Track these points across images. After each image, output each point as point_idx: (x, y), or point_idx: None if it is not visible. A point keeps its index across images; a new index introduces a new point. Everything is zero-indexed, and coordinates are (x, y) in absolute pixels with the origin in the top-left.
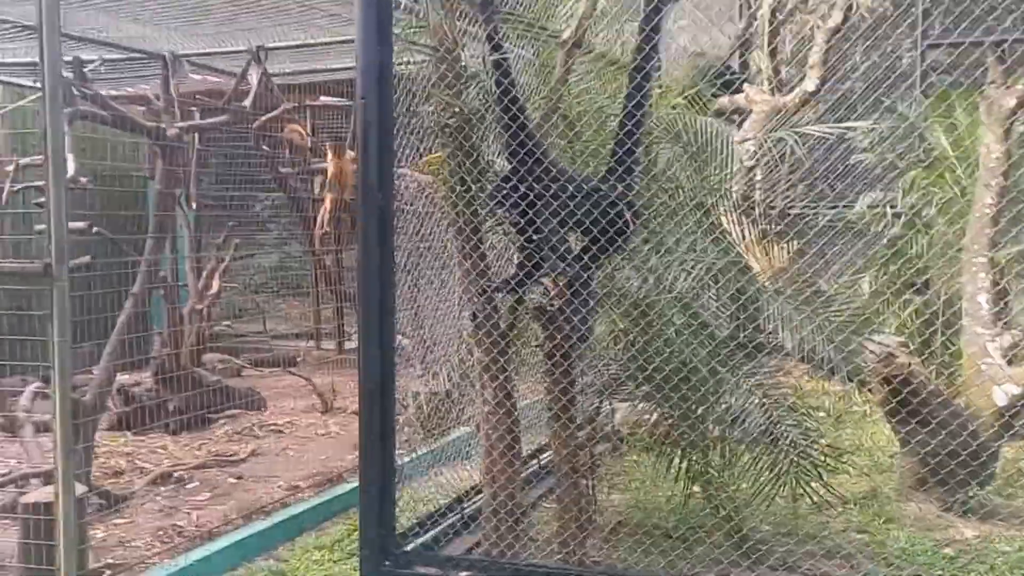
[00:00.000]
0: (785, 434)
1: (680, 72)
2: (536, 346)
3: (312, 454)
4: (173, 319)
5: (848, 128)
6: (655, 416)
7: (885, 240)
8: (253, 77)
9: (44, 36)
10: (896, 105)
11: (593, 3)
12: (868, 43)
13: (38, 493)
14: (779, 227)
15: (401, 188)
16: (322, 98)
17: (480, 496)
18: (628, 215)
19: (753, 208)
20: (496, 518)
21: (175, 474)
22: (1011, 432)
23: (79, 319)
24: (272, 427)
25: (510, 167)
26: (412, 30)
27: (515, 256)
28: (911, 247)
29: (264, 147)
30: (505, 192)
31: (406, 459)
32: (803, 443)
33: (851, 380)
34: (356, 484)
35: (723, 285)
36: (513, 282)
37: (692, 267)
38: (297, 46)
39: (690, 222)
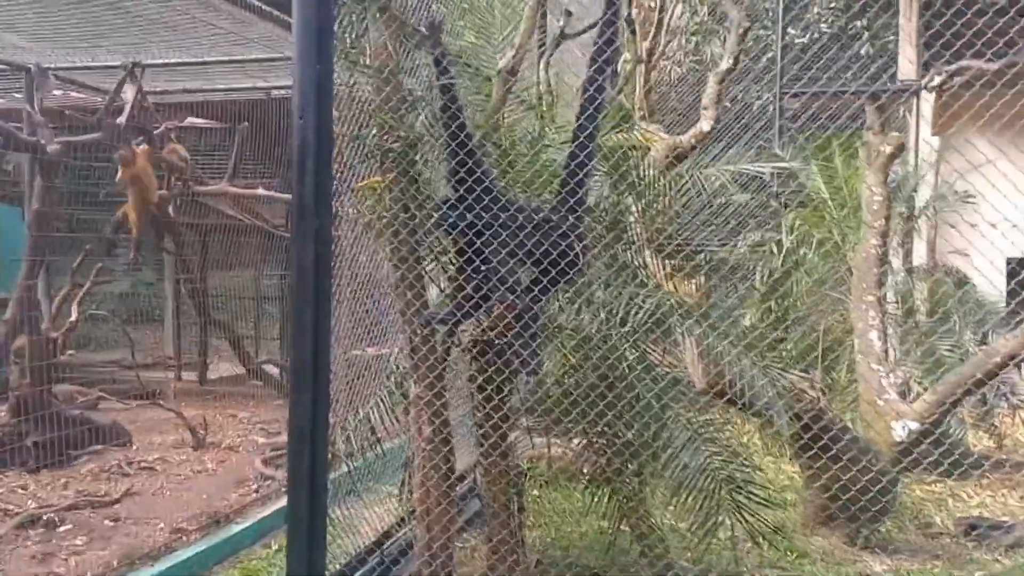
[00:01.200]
0: (720, 469)
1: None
2: (468, 378)
3: (192, 493)
4: (33, 348)
5: (745, 169)
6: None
7: (764, 277)
8: (128, 94)
9: None
10: (771, 148)
11: (529, 33)
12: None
13: None
14: (687, 263)
15: (338, 212)
16: (189, 119)
17: (405, 527)
18: (579, 247)
19: (665, 244)
20: (432, 560)
21: (44, 516)
22: (908, 466)
23: None
24: (142, 464)
25: (456, 194)
26: (353, 49)
27: (459, 286)
28: (789, 284)
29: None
30: (451, 220)
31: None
32: (738, 478)
33: (757, 415)
34: (245, 526)
35: (657, 322)
36: (459, 313)
37: (642, 301)
38: (177, 64)
39: (627, 256)
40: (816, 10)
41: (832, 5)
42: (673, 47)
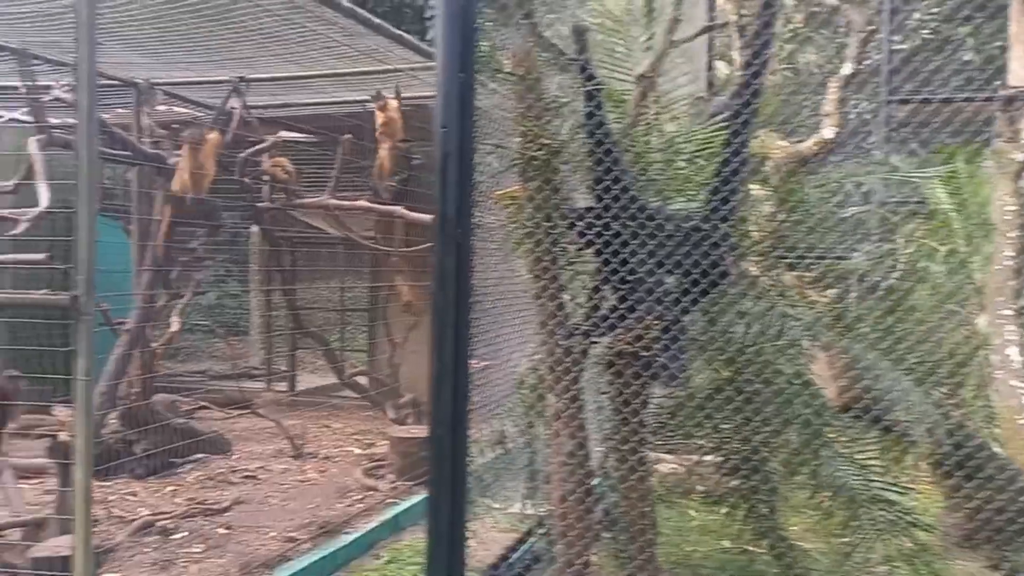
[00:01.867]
0: (864, 488)
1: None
2: (605, 391)
3: (297, 503)
4: (142, 358)
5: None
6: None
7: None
8: (233, 108)
9: (83, 69)
10: (887, 157)
11: (669, 37)
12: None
13: (50, 546)
14: (816, 274)
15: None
16: (282, 133)
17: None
18: (731, 257)
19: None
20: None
21: (159, 523)
22: None
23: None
24: (245, 473)
25: (602, 202)
26: (495, 56)
27: (602, 297)
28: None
29: (246, 179)
30: (596, 229)
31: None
32: (884, 497)
33: (891, 431)
34: (356, 536)
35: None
36: (603, 324)
37: (795, 315)
38: (282, 78)
39: (765, 267)
40: (918, 16)
41: (936, 10)
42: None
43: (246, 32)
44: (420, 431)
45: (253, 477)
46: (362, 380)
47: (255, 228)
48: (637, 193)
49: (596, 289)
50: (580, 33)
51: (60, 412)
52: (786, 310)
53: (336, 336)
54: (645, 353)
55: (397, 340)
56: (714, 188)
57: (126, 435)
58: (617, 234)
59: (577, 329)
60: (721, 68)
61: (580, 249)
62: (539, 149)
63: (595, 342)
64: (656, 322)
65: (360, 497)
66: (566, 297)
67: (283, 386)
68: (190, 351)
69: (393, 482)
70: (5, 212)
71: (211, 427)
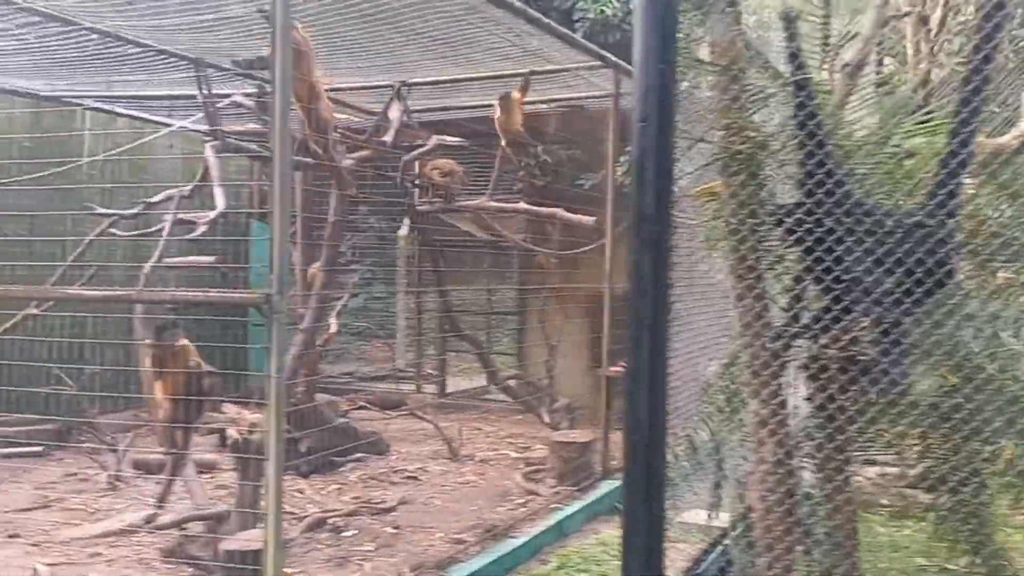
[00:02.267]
0: None
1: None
2: (810, 397)
3: (460, 505)
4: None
5: None
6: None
7: None
8: (394, 113)
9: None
10: None
11: (880, 23)
12: None
13: (241, 540)
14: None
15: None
16: (434, 137)
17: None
18: (956, 256)
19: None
20: None
21: (329, 521)
22: None
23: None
24: (406, 474)
25: (813, 198)
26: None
27: (811, 298)
28: None
29: (408, 184)
30: (808, 226)
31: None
32: None
33: None
34: (523, 540)
35: None
36: (814, 327)
37: None
38: (446, 81)
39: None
40: None
41: None
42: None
43: (413, 35)
44: (581, 436)
45: (414, 478)
46: (511, 383)
47: (403, 231)
48: (851, 188)
49: (803, 290)
50: (790, 20)
51: (230, 408)
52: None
53: (483, 339)
54: (862, 357)
55: (553, 343)
56: (940, 182)
57: (292, 434)
58: (830, 231)
59: (786, 331)
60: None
61: (788, 247)
62: (744, 142)
63: (798, 345)
64: (875, 324)
65: (522, 501)
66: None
67: (431, 388)
68: (338, 352)
69: (554, 487)
70: (187, 215)
71: (366, 428)
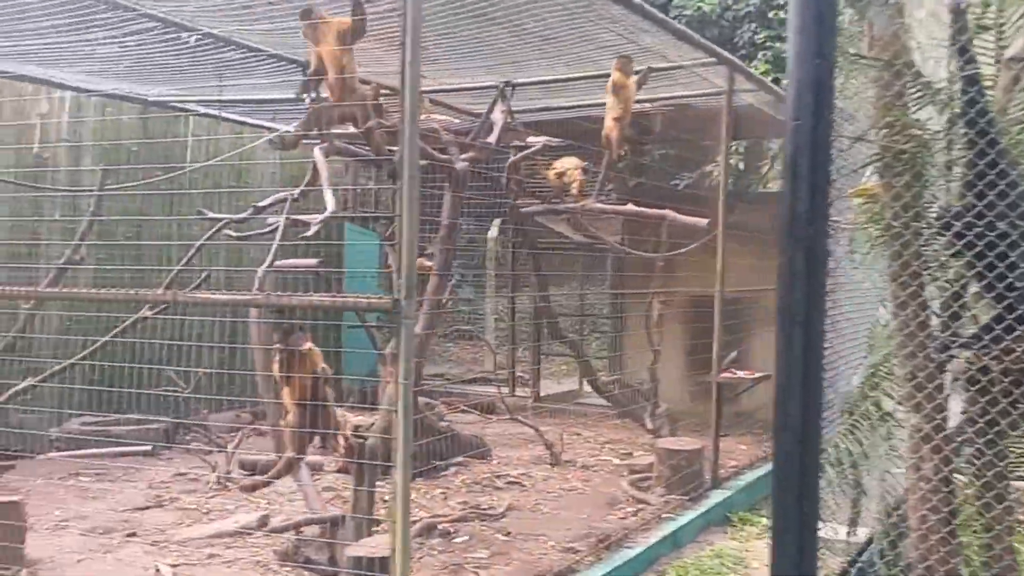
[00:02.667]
0: None
1: None
2: (967, 412)
3: (569, 512)
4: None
5: None
6: None
7: None
8: (497, 114)
9: (407, 74)
10: None
11: None
12: None
13: (366, 547)
14: None
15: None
16: (530, 139)
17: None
18: None
19: None
20: None
21: (439, 526)
22: None
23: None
24: (509, 479)
25: (984, 200)
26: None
27: (979, 306)
28: None
29: (514, 186)
30: (978, 229)
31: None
32: None
33: None
34: (638, 551)
35: None
36: (985, 337)
37: None
38: (554, 81)
39: None
40: None
41: None
42: None
43: (524, 34)
44: (689, 443)
45: (518, 483)
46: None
47: (492, 232)
48: None
49: (970, 298)
50: (959, 13)
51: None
52: None
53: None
54: None
55: (657, 348)
56: None
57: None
58: (1003, 235)
59: (953, 341)
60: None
61: (955, 253)
62: (908, 141)
63: (949, 358)
64: None
65: (632, 510)
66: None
67: (520, 392)
68: (427, 354)
69: (663, 495)
70: (300, 217)
71: (464, 432)
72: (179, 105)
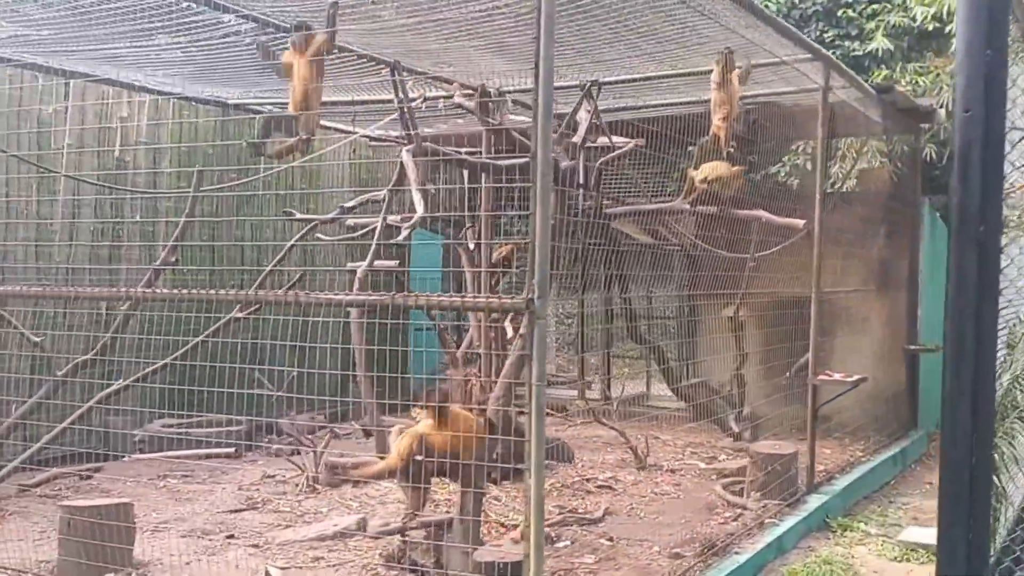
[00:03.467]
0: None
1: None
2: None
3: (667, 516)
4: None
5: None
6: None
7: None
8: (582, 113)
9: (542, 68)
10: None
11: None
12: None
13: (496, 552)
14: None
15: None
16: (601, 139)
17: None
18: None
19: None
20: None
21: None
22: None
23: None
24: (598, 482)
25: None
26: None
27: None
28: None
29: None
30: None
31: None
32: None
33: None
34: (747, 557)
35: None
36: None
37: None
38: (637, 80)
39: None
40: None
41: None
42: None
43: (623, 31)
44: (785, 448)
45: (608, 487)
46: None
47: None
48: None
49: None
50: None
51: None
52: None
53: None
54: None
55: (743, 351)
56: None
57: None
58: None
59: None
60: None
61: None
62: None
63: None
64: None
65: (731, 515)
66: None
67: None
68: None
69: (760, 500)
70: (393, 219)
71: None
72: (256, 108)
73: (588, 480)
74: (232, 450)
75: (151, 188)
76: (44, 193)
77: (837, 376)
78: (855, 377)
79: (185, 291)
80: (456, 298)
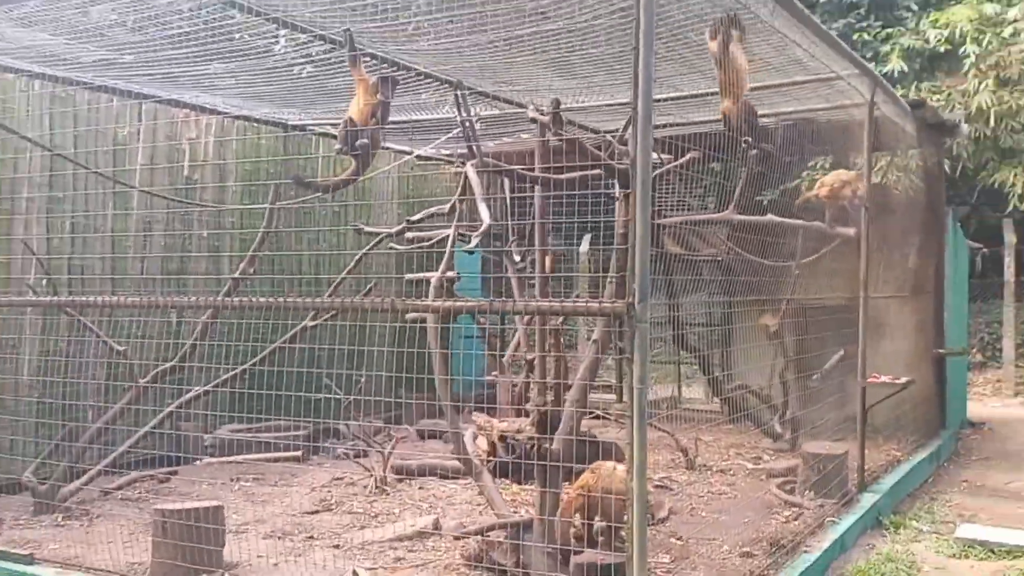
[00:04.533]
0: None
1: None
2: None
3: (730, 516)
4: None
5: None
6: None
7: None
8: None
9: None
10: None
11: None
12: None
13: (595, 555)
14: None
15: None
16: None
17: None
18: None
19: None
20: None
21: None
22: None
23: None
24: (653, 482)
25: None
26: None
27: None
28: None
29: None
30: None
31: None
32: None
33: None
34: (816, 556)
35: None
36: None
37: None
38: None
39: None
40: None
41: None
42: None
43: (680, 47)
44: (834, 448)
45: (663, 487)
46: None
47: (584, 247)
48: None
49: None
50: None
51: (479, 417)
52: None
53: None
54: None
55: (785, 356)
56: None
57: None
58: None
59: None
60: None
61: None
62: None
63: None
64: None
65: (791, 514)
66: None
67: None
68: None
69: (814, 499)
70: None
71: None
72: (317, 129)
73: None
74: (299, 453)
75: (217, 204)
76: (119, 209)
77: (885, 379)
78: (904, 380)
79: (281, 299)
80: (557, 303)
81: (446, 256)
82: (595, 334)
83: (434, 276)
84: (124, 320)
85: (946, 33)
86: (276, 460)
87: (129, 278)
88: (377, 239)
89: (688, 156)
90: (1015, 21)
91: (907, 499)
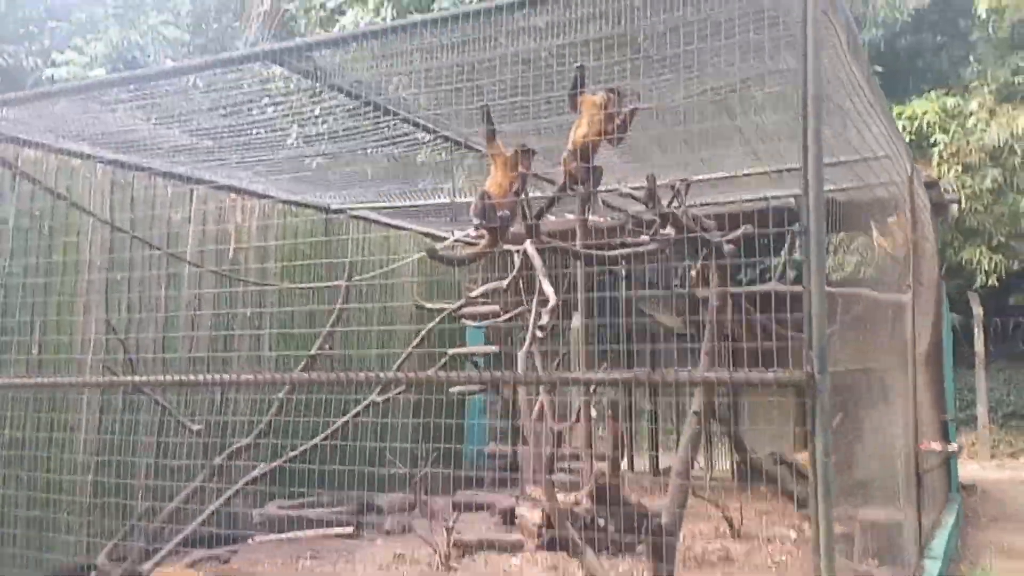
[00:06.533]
0: None
1: None
2: None
3: None
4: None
5: None
6: None
7: None
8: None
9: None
10: None
11: None
12: None
13: None
14: None
15: None
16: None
17: None
18: None
19: None
20: None
21: None
22: None
23: None
24: (715, 554)
25: None
26: None
27: None
28: None
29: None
30: None
31: None
32: None
33: None
34: None
35: None
36: None
37: None
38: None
39: None
40: None
41: None
42: None
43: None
44: (890, 514)
45: (726, 558)
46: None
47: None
48: None
49: None
50: None
51: (534, 489)
52: None
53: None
54: None
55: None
56: None
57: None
58: None
59: None
60: None
61: None
62: None
63: None
64: None
65: None
66: None
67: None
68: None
69: (879, 567)
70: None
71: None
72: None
73: (687, 549)
74: (351, 529)
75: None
76: (171, 290)
77: (934, 445)
78: (952, 446)
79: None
80: (724, 374)
81: (531, 329)
82: (693, 405)
83: (489, 350)
84: (174, 397)
85: (914, 124)
86: (329, 536)
87: (178, 357)
88: (441, 315)
89: (741, 231)
90: (973, 113)
91: (952, 564)
